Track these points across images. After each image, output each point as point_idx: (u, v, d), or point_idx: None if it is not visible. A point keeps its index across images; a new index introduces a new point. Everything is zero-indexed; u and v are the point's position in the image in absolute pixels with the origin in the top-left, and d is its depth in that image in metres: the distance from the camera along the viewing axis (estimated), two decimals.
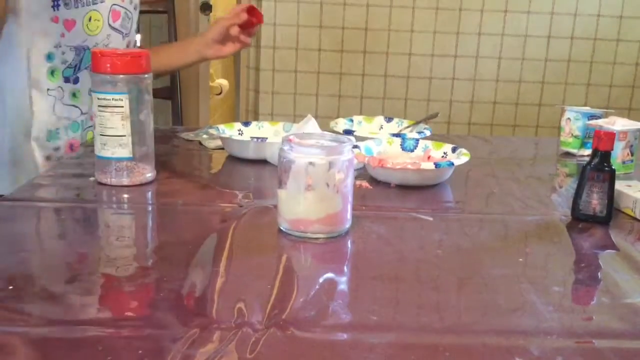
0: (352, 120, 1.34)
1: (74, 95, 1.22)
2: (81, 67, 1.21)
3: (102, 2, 1.20)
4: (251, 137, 1.16)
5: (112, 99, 0.92)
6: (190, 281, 0.66)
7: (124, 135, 0.93)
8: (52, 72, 1.17)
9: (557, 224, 0.89)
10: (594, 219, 0.88)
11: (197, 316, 0.58)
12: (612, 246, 0.84)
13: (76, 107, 1.23)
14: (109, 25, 1.23)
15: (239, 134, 1.23)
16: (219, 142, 1.22)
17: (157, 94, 1.44)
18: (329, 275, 0.71)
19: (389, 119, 1.38)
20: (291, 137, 0.79)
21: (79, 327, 0.57)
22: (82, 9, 1.17)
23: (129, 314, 0.62)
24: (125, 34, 1.28)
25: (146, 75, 0.94)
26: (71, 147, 1.23)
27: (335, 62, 2.30)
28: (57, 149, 1.22)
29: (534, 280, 0.70)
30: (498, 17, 2.23)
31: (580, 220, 0.89)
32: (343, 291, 0.67)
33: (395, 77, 2.30)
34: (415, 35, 2.25)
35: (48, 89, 1.18)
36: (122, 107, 0.92)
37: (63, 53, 1.18)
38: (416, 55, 2.28)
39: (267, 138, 1.12)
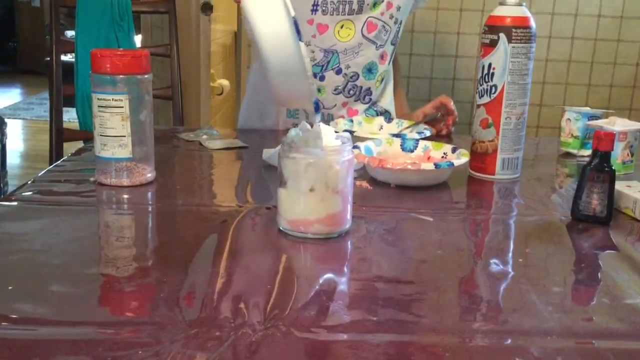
0: (352, 121, 1.33)
1: (318, 90, 1.36)
2: (328, 67, 1.34)
3: (358, 14, 1.30)
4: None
5: (112, 100, 0.92)
6: (190, 281, 0.66)
7: (124, 136, 0.93)
8: None
9: (557, 224, 0.89)
10: (594, 220, 0.88)
11: (197, 316, 0.58)
12: (612, 246, 0.84)
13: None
14: (362, 35, 1.33)
15: None
16: (219, 143, 1.22)
17: (157, 94, 1.44)
18: (329, 275, 0.71)
19: (389, 119, 1.38)
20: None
21: (79, 328, 0.57)
22: (336, 17, 1.29)
23: (129, 314, 0.62)
24: (380, 45, 1.36)
25: (146, 76, 0.94)
26: None
27: None
28: (296, 125, 1.33)
29: (534, 280, 0.70)
30: None
31: (580, 220, 0.88)
32: (343, 291, 0.67)
33: None
34: (415, 35, 2.25)
35: None
36: (122, 107, 0.92)
37: (312, 52, 1.31)
38: (417, 55, 2.28)
39: None
